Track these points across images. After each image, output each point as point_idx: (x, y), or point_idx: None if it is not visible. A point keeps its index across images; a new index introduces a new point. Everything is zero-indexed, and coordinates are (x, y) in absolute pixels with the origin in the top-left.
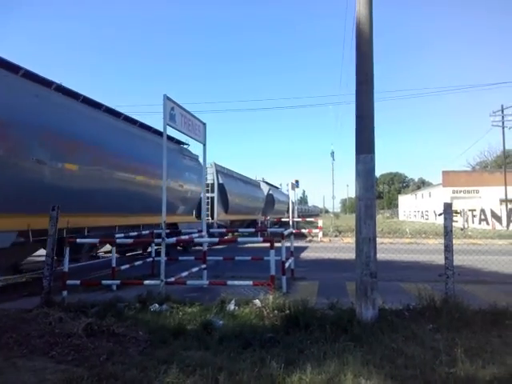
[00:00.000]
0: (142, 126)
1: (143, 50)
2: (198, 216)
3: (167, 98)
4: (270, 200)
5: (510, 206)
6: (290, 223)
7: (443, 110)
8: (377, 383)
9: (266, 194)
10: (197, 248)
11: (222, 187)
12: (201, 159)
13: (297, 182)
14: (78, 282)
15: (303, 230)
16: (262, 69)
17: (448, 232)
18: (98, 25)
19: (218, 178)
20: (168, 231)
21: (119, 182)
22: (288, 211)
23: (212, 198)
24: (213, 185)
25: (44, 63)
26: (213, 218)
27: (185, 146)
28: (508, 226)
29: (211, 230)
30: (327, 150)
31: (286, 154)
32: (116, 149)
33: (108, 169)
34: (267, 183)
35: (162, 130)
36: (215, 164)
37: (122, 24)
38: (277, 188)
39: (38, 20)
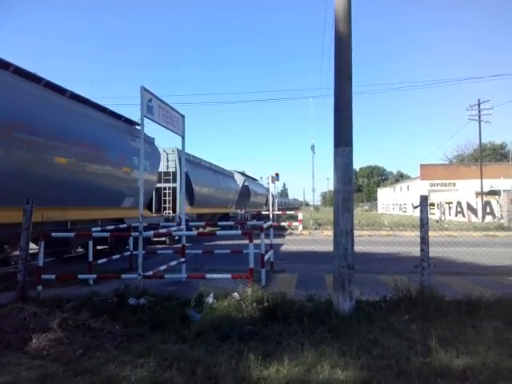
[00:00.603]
0: (73, 95)
1: (122, 38)
2: (157, 210)
3: (144, 89)
4: (245, 192)
5: (485, 198)
6: (270, 216)
7: (422, 103)
8: (353, 374)
9: (240, 185)
10: (152, 246)
11: (186, 176)
12: (156, 145)
13: (277, 174)
14: (53, 276)
15: (283, 223)
16: (238, 59)
17: (424, 224)
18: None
19: (181, 166)
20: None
21: (19, 161)
22: (267, 204)
23: (174, 189)
24: (175, 173)
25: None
26: (175, 212)
27: (137, 127)
28: (483, 218)
29: (163, 224)
30: (308, 143)
31: (266, 147)
32: (14, 117)
33: None
34: (242, 174)
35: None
36: (178, 150)
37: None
38: (254, 179)
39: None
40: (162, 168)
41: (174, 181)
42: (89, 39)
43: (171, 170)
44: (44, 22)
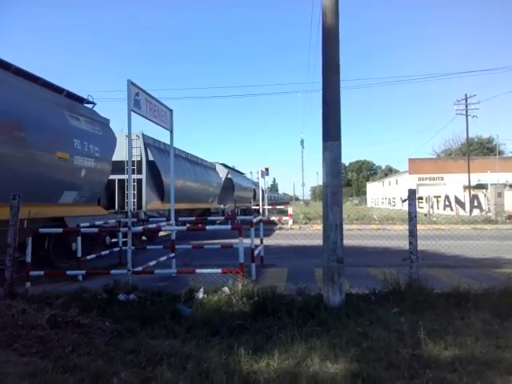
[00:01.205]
0: None
1: (111, 29)
2: (119, 206)
3: (131, 83)
4: (228, 185)
5: (473, 192)
6: (261, 211)
7: (410, 98)
8: (343, 366)
9: (223, 178)
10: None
11: (153, 166)
12: (111, 127)
13: (267, 169)
14: (41, 272)
15: (273, 218)
16: (227, 53)
17: (412, 218)
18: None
19: (147, 154)
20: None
21: None
22: (255, 198)
23: (139, 181)
24: (140, 163)
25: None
26: (140, 208)
27: (87, 105)
28: (471, 211)
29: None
30: (298, 137)
31: (256, 142)
32: None
33: None
34: (226, 166)
35: None
36: (143, 135)
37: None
38: (239, 172)
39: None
40: (125, 157)
41: (139, 171)
42: (87, 33)
43: (135, 158)
44: (43, 18)
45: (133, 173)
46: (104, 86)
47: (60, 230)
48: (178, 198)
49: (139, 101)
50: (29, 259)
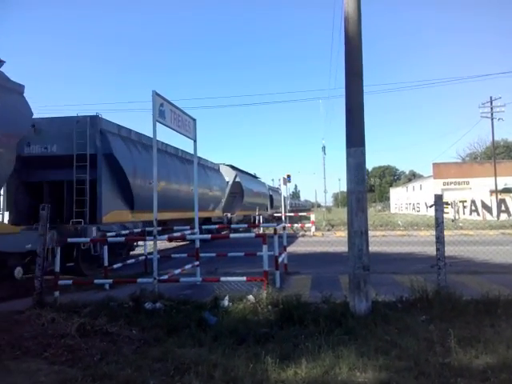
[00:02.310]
0: None
1: (130, 39)
2: (68, 218)
3: (156, 94)
4: (237, 191)
5: (499, 196)
6: (283, 218)
7: (434, 102)
8: (372, 375)
9: (230, 181)
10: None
11: (113, 161)
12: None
13: (288, 176)
14: (69, 281)
15: (295, 225)
16: (250, 60)
17: (439, 223)
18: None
19: (104, 146)
20: None
21: None
22: (272, 206)
23: (93, 183)
24: (94, 157)
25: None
26: (94, 222)
27: None
28: (498, 216)
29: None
30: (320, 144)
31: (278, 148)
32: None
33: None
34: (233, 167)
35: None
36: (100, 118)
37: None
38: (253, 176)
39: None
40: (74, 149)
41: (94, 170)
42: (96, 41)
43: (89, 151)
44: (53, 25)
45: (84, 171)
46: (109, 95)
47: (87, 239)
48: (162, 206)
49: (164, 111)
50: (57, 269)
